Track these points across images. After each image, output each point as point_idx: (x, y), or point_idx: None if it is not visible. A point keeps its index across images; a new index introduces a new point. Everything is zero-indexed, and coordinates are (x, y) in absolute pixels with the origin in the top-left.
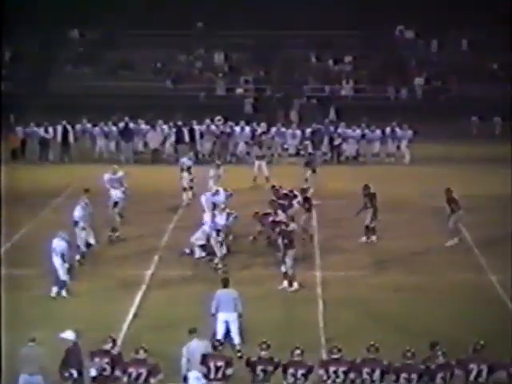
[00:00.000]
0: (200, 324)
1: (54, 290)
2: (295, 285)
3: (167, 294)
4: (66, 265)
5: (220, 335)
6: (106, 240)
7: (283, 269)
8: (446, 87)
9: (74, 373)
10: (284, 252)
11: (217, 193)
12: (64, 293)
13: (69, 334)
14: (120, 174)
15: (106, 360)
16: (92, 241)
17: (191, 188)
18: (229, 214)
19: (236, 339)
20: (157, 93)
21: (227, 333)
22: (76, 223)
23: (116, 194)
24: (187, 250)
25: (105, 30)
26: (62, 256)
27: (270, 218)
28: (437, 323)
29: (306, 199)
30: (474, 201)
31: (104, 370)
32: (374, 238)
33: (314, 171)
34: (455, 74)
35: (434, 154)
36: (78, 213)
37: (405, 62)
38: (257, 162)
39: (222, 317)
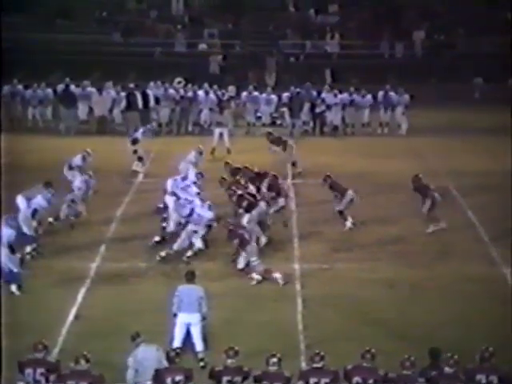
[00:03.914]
0: (155, 327)
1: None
2: (254, 275)
3: (115, 290)
4: (18, 255)
5: (178, 340)
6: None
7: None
8: (452, 42)
9: None
10: (237, 252)
11: (185, 178)
12: (14, 288)
13: None
14: (90, 159)
15: (41, 370)
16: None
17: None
18: (210, 206)
19: (198, 345)
20: (102, 48)
21: (187, 338)
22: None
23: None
24: (157, 238)
25: None
26: (10, 246)
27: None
28: (438, 326)
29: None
30: (484, 178)
31: (38, 382)
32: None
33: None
34: (462, 27)
35: (435, 123)
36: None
37: (402, 11)
38: (217, 130)
39: (182, 318)
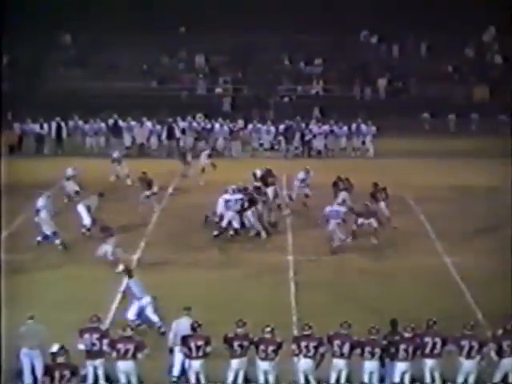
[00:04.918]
0: (182, 305)
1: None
2: (120, 267)
3: (152, 276)
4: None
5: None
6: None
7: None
8: (406, 88)
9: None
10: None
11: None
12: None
13: (54, 348)
14: (78, 169)
15: (96, 336)
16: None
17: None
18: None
19: (154, 319)
20: (143, 93)
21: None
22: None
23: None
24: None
25: (95, 35)
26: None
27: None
28: (397, 302)
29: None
30: (433, 191)
31: (94, 345)
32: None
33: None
34: (414, 76)
35: (395, 148)
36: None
37: (369, 64)
38: (203, 154)
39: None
